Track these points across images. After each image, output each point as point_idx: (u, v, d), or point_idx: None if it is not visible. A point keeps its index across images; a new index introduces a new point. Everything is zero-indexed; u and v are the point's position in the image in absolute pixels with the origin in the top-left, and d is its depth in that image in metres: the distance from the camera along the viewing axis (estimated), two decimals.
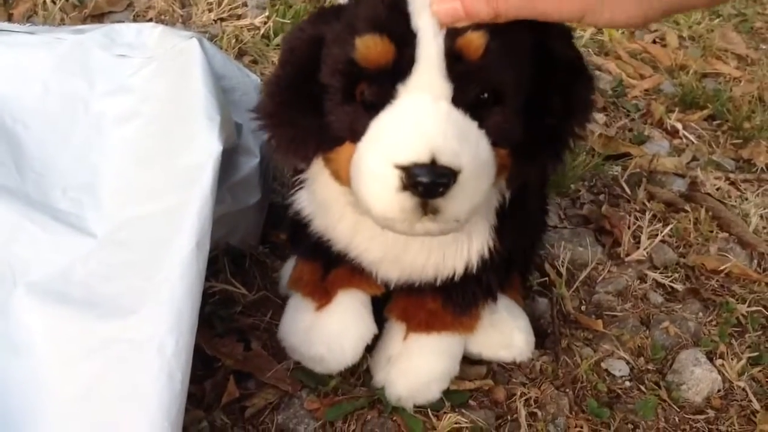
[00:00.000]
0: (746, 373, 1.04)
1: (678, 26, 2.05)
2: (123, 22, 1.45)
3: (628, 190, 1.37)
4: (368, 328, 0.92)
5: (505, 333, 0.98)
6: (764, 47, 2.09)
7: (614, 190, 1.38)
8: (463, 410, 0.92)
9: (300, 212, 0.84)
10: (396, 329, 0.93)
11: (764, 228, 1.34)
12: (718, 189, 1.43)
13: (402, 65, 0.62)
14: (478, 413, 0.92)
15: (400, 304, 0.91)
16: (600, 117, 1.58)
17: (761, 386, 1.04)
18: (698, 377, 1.01)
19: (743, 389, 1.02)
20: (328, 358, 0.90)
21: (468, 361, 0.96)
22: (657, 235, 1.26)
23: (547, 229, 1.14)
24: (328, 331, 0.90)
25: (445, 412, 0.91)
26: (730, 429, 0.97)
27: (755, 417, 0.99)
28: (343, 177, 0.69)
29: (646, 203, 1.35)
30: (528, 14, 0.61)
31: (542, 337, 1.04)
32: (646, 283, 1.19)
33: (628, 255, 1.23)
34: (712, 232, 1.31)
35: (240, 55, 1.51)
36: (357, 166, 0.65)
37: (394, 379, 0.91)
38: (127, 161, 0.86)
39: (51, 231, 0.79)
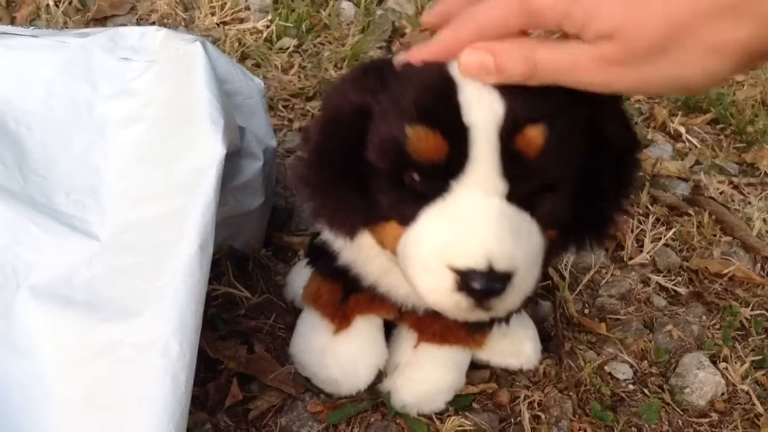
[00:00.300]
0: (750, 377, 1.04)
1: None
2: (126, 25, 1.45)
3: (630, 201, 1.37)
4: (382, 353, 0.92)
5: (515, 342, 0.98)
6: None
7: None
8: (467, 413, 0.92)
9: (327, 243, 0.81)
10: (407, 337, 0.93)
11: (767, 232, 1.34)
12: (721, 193, 1.43)
13: (455, 161, 0.59)
14: (481, 416, 0.92)
15: (415, 316, 0.89)
16: None
17: (765, 389, 1.04)
18: (702, 380, 1.01)
19: (747, 393, 1.02)
20: (341, 382, 0.90)
21: (472, 365, 0.96)
22: (660, 238, 1.26)
23: None
24: (343, 356, 0.90)
25: (448, 415, 0.91)
26: None
27: (759, 420, 0.99)
28: (387, 246, 0.67)
29: (650, 207, 1.35)
30: (566, 82, 0.56)
31: (545, 340, 1.04)
32: (649, 286, 1.18)
33: (631, 258, 1.23)
34: (715, 235, 1.31)
35: (242, 58, 1.51)
36: (407, 252, 0.63)
37: (401, 386, 0.91)
38: (131, 164, 0.86)
39: (54, 234, 0.79)
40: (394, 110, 0.60)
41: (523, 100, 0.57)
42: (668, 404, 0.99)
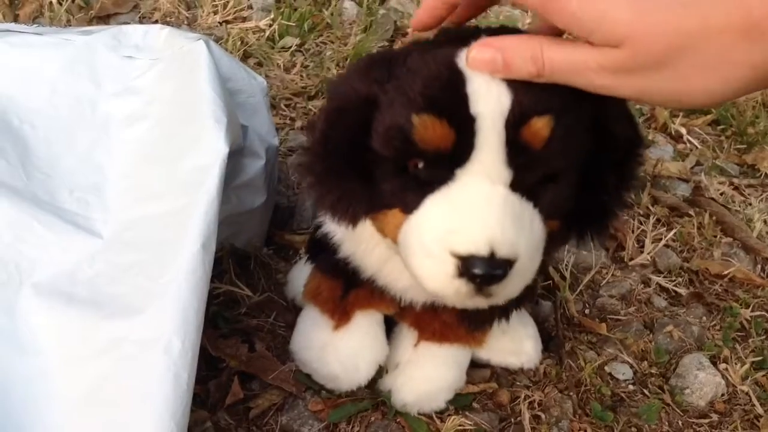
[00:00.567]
0: (750, 378, 1.04)
1: None
2: (129, 23, 1.46)
3: (632, 195, 1.37)
4: (382, 349, 0.92)
5: (515, 340, 0.99)
6: None
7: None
8: (467, 413, 0.92)
9: (327, 235, 0.82)
10: (407, 336, 0.93)
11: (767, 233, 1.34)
12: (722, 194, 1.43)
13: (461, 149, 0.59)
14: (481, 416, 0.92)
15: (415, 313, 0.90)
16: None
17: (765, 391, 1.04)
18: (702, 381, 1.01)
19: (747, 393, 1.02)
20: (341, 378, 0.90)
21: (472, 364, 0.96)
22: (661, 239, 1.26)
23: None
24: (344, 352, 0.90)
25: (449, 415, 0.91)
26: None
27: (758, 421, 0.99)
28: (388, 235, 0.68)
29: (650, 208, 1.35)
30: (572, 83, 0.57)
31: (546, 340, 1.04)
32: (649, 287, 1.19)
33: (632, 259, 1.23)
34: (715, 236, 1.31)
35: (245, 57, 1.51)
36: (408, 239, 0.63)
37: (401, 385, 0.91)
38: (134, 162, 0.87)
39: (57, 231, 0.79)
40: (401, 99, 0.61)
41: (531, 93, 0.58)
42: (668, 405, 0.99)
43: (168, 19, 1.60)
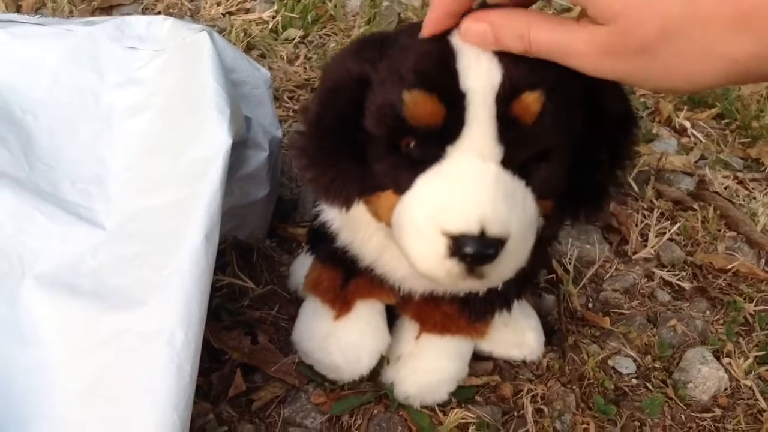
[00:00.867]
0: (753, 372, 1.04)
1: None
2: (131, 14, 1.45)
3: (636, 188, 1.37)
4: (384, 338, 0.92)
5: (518, 332, 0.98)
6: None
7: (622, 188, 1.37)
8: (470, 406, 0.92)
9: (326, 224, 0.82)
10: (409, 328, 0.93)
11: None
12: (726, 188, 1.43)
13: (451, 126, 0.59)
14: (484, 409, 0.92)
15: (416, 304, 0.89)
16: None
17: None
18: (705, 375, 1.01)
19: (750, 388, 1.02)
20: (343, 368, 0.90)
21: (475, 357, 0.96)
22: (665, 233, 1.26)
23: None
24: (345, 341, 0.90)
25: (451, 408, 0.91)
26: (736, 427, 0.97)
27: (762, 416, 0.99)
28: (382, 218, 0.67)
29: (654, 201, 1.34)
30: (558, 60, 0.56)
31: (549, 334, 1.03)
32: (653, 281, 1.18)
33: (635, 253, 1.23)
34: (719, 230, 1.31)
35: (248, 49, 1.51)
36: (401, 220, 0.63)
37: (403, 377, 0.91)
38: (137, 153, 0.86)
39: (60, 222, 0.79)
40: (393, 77, 0.61)
41: (522, 67, 0.58)
42: (671, 399, 0.99)
43: (171, 10, 1.60)
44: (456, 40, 0.59)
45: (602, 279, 1.17)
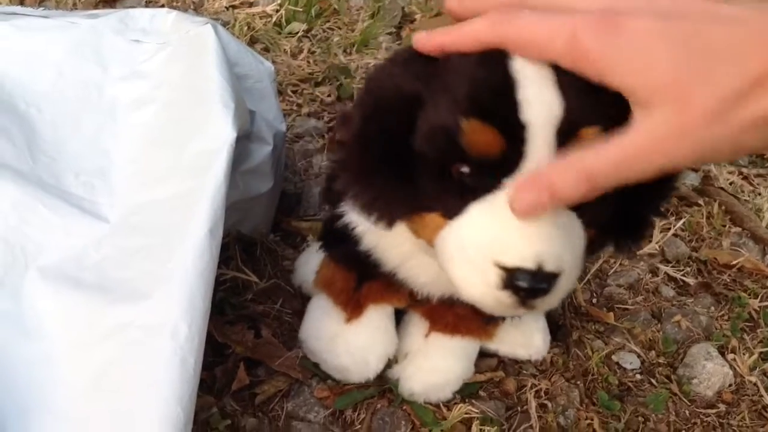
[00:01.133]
0: (758, 368, 1.04)
1: None
2: (135, 7, 1.44)
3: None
4: (393, 342, 0.91)
5: (525, 333, 0.98)
6: None
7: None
8: (474, 401, 0.92)
9: (348, 226, 0.79)
10: (418, 325, 0.93)
11: None
12: (731, 183, 1.42)
13: (509, 157, 0.57)
14: (488, 404, 0.92)
15: (429, 304, 0.89)
16: None
17: None
18: (709, 371, 1.01)
19: (755, 384, 1.02)
20: (351, 370, 0.90)
21: (479, 353, 0.96)
22: (669, 228, 1.25)
23: None
24: (354, 344, 0.90)
25: (455, 403, 0.91)
26: (741, 423, 0.97)
27: (766, 412, 0.99)
28: (423, 237, 0.65)
29: None
30: (627, 179, 0.53)
31: (553, 329, 1.03)
32: (657, 276, 1.18)
33: (640, 248, 1.22)
34: (724, 226, 1.31)
35: (252, 42, 1.51)
36: (449, 245, 0.61)
37: (409, 375, 0.91)
38: (141, 146, 0.86)
39: (63, 215, 0.78)
40: (448, 100, 0.58)
41: (582, 102, 0.55)
42: (675, 395, 0.99)
43: (174, 2, 1.59)
44: (515, 67, 0.56)
45: (606, 274, 1.17)
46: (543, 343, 0.99)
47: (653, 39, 0.49)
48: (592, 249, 0.67)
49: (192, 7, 1.60)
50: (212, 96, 0.86)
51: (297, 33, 1.57)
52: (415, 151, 0.60)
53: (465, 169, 0.59)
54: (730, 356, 1.05)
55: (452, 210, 0.60)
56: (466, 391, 0.93)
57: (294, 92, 1.41)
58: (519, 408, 0.93)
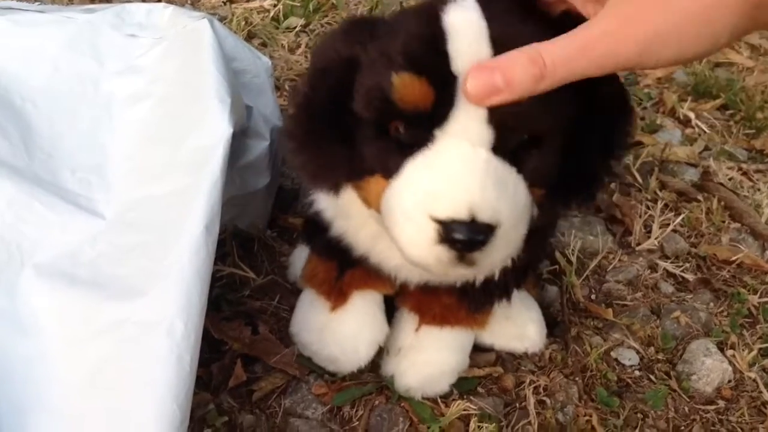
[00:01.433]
0: (757, 364, 1.04)
1: None
2: (132, 2, 1.44)
3: (639, 179, 1.36)
4: (382, 329, 0.91)
5: (519, 324, 0.98)
6: None
7: (626, 178, 1.37)
8: (472, 397, 0.92)
9: (319, 214, 0.81)
10: (408, 320, 0.93)
11: None
12: (730, 179, 1.42)
13: (440, 109, 0.58)
14: (486, 400, 0.92)
15: (415, 296, 0.89)
16: None
17: None
18: (709, 367, 1.00)
19: (754, 380, 1.02)
20: (341, 359, 0.90)
21: (477, 348, 0.96)
22: (668, 224, 1.25)
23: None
24: (342, 333, 0.90)
25: (453, 399, 0.91)
26: (740, 420, 0.96)
27: (765, 408, 0.98)
28: (372, 204, 0.66)
29: (658, 192, 1.34)
30: (580, 68, 0.54)
31: (552, 325, 1.03)
32: (656, 272, 1.18)
33: (639, 244, 1.22)
34: (724, 222, 1.30)
35: (249, 37, 1.50)
36: (390, 205, 0.62)
37: (404, 370, 0.90)
38: (137, 142, 0.86)
39: (59, 211, 0.78)
40: (382, 59, 0.60)
41: (512, 49, 0.56)
42: (674, 391, 0.99)
43: None
44: (448, 21, 0.58)
45: (605, 270, 1.17)
46: (538, 335, 0.99)
47: None
48: (543, 210, 0.68)
49: (189, 1, 1.59)
50: (209, 91, 0.85)
51: (295, 28, 1.57)
52: (355, 114, 0.62)
53: (400, 127, 0.60)
54: (730, 352, 1.05)
55: (391, 169, 0.62)
56: (464, 387, 0.92)
57: (292, 87, 1.41)
58: (517, 404, 0.93)
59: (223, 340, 0.91)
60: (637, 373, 1.00)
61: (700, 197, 1.34)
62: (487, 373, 0.95)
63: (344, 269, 0.89)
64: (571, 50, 0.53)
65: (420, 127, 0.60)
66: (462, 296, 0.87)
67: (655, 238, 1.22)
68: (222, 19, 1.50)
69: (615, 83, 0.67)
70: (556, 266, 1.13)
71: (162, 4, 1.00)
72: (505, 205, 0.58)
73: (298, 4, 1.62)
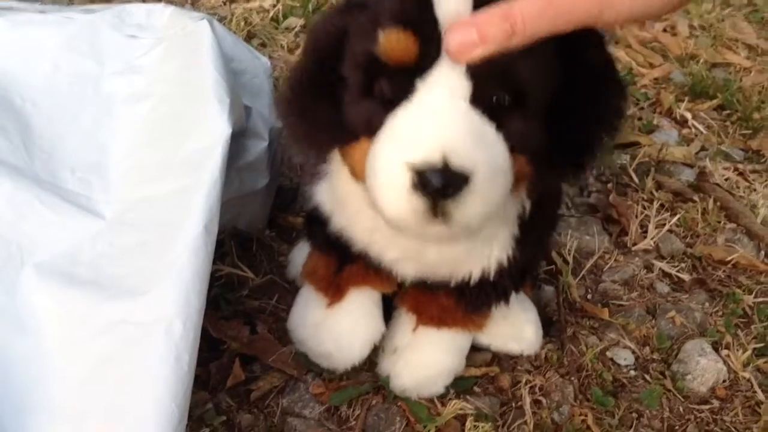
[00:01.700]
0: (751, 364, 1.04)
1: (689, 15, 2.04)
2: (131, 2, 1.44)
3: (636, 179, 1.37)
4: (377, 327, 0.92)
5: (516, 326, 0.99)
6: None
7: (622, 179, 1.38)
8: (468, 397, 0.92)
9: (318, 207, 0.82)
10: (405, 320, 0.93)
11: None
12: (726, 179, 1.42)
13: (424, 63, 0.59)
14: (482, 400, 0.92)
15: (413, 296, 0.90)
16: None
17: (766, 377, 1.03)
18: (703, 367, 1.01)
19: (748, 380, 1.02)
20: (336, 356, 0.91)
21: (473, 348, 0.96)
22: (664, 224, 1.26)
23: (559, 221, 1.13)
24: (337, 329, 0.90)
25: (449, 399, 0.91)
26: (734, 419, 0.97)
27: (760, 408, 0.99)
28: (359, 174, 0.67)
29: (654, 192, 1.34)
30: (547, 23, 0.55)
31: (548, 325, 1.04)
32: (652, 272, 1.18)
33: (635, 244, 1.23)
34: (719, 222, 1.31)
35: (249, 37, 1.51)
36: (371, 163, 0.62)
37: (400, 370, 0.91)
38: (137, 142, 0.86)
39: (59, 211, 0.79)
40: (369, 22, 0.62)
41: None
42: (669, 390, 0.99)
43: None
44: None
45: (601, 270, 1.17)
46: (534, 336, 1.00)
47: None
48: (533, 184, 0.70)
49: (189, 1, 1.60)
50: (208, 92, 0.86)
51: (294, 28, 1.57)
52: (343, 80, 0.65)
53: (384, 85, 0.62)
54: (724, 352, 1.05)
55: (375, 127, 0.63)
56: (461, 387, 0.93)
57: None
58: (513, 404, 0.94)
59: (221, 339, 0.92)
60: (632, 372, 1.01)
61: (696, 198, 1.35)
62: (483, 372, 0.96)
63: (343, 265, 0.89)
64: (538, 4, 0.55)
65: (403, 82, 0.61)
66: (460, 298, 0.87)
67: (651, 239, 1.23)
68: (221, 19, 1.51)
69: (600, 49, 0.67)
70: (553, 266, 1.13)
71: (162, 5, 1.00)
72: (481, 156, 0.59)
73: (298, 5, 1.63)
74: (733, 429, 0.96)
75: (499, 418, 0.91)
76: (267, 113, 1.05)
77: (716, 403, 0.99)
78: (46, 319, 0.71)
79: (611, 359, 1.02)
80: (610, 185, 1.35)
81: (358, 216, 0.77)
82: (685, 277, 1.18)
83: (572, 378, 0.98)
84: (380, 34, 0.60)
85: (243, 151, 0.98)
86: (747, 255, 1.23)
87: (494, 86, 0.60)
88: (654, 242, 1.23)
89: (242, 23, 1.52)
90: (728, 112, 1.67)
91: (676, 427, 0.95)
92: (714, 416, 0.97)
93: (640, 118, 1.58)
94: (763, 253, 1.26)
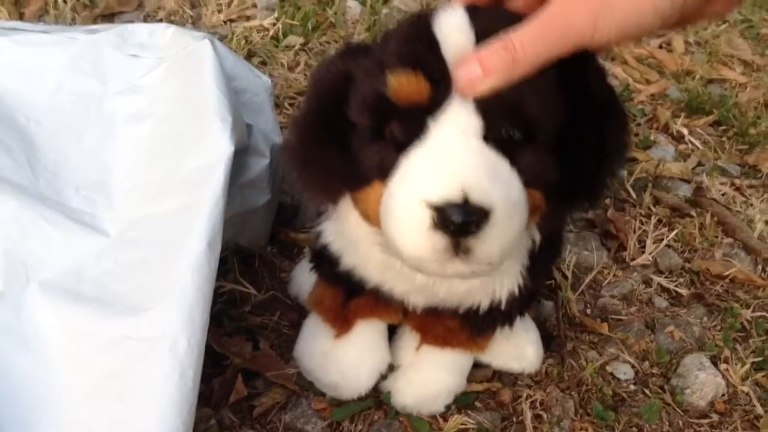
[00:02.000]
0: (750, 378, 1.05)
1: (684, 32, 2.05)
2: (133, 22, 1.46)
3: (633, 195, 1.38)
4: (384, 358, 0.92)
5: (518, 345, 0.99)
6: None
7: (620, 194, 1.38)
8: (469, 411, 0.93)
9: (328, 246, 0.82)
10: (409, 338, 0.94)
11: None
12: (723, 194, 1.43)
13: (434, 101, 0.60)
14: (483, 415, 0.93)
15: (419, 316, 0.89)
16: None
17: (765, 391, 1.04)
18: (702, 381, 1.01)
19: (747, 394, 1.03)
20: (342, 386, 0.91)
21: (474, 364, 0.97)
22: (662, 239, 1.26)
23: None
24: (345, 361, 0.91)
25: (451, 414, 0.92)
26: None
27: (758, 422, 0.99)
28: (372, 217, 0.67)
29: (652, 208, 1.35)
30: (545, 47, 0.58)
31: (548, 340, 1.04)
32: (651, 287, 1.19)
33: (633, 259, 1.24)
34: (717, 237, 1.31)
35: (249, 56, 1.52)
36: (387, 204, 0.62)
37: (401, 387, 0.92)
38: (140, 161, 0.87)
39: (64, 229, 0.79)
40: (376, 65, 0.62)
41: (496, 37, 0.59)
42: (669, 405, 1.00)
43: (172, 17, 1.60)
44: (438, 23, 0.61)
45: (600, 285, 1.18)
46: (535, 355, 1.00)
47: None
48: (548, 218, 0.70)
49: (190, 20, 1.61)
50: (210, 110, 0.87)
51: (294, 46, 1.58)
52: (351, 124, 0.65)
53: (395, 128, 0.62)
54: (723, 366, 1.06)
55: (388, 170, 0.63)
56: (462, 402, 0.94)
57: (291, 105, 1.42)
58: (514, 419, 0.94)
59: (224, 355, 0.92)
60: (632, 387, 1.02)
61: (693, 213, 1.36)
62: (484, 387, 0.97)
63: (351, 297, 0.89)
64: (534, 30, 0.58)
65: (415, 123, 0.61)
66: (465, 320, 0.87)
67: (649, 254, 1.24)
68: (222, 38, 1.52)
69: (603, 84, 0.68)
70: (552, 281, 1.14)
71: (164, 25, 1.01)
72: (498, 191, 0.59)
73: (297, 23, 1.64)
74: None
75: None
76: (268, 131, 1.06)
77: (715, 417, 0.99)
78: (51, 336, 0.72)
79: (611, 374, 1.03)
80: (608, 201, 1.36)
81: (370, 256, 0.77)
82: (683, 291, 1.19)
83: (572, 392, 0.98)
84: (390, 77, 0.60)
85: (245, 168, 0.99)
86: (744, 269, 1.24)
87: (504, 122, 0.61)
88: (652, 257, 1.24)
89: (243, 42, 1.53)
90: (724, 127, 1.68)
91: None
92: (713, 430, 0.98)
93: (636, 134, 1.58)
94: (760, 267, 1.27)
